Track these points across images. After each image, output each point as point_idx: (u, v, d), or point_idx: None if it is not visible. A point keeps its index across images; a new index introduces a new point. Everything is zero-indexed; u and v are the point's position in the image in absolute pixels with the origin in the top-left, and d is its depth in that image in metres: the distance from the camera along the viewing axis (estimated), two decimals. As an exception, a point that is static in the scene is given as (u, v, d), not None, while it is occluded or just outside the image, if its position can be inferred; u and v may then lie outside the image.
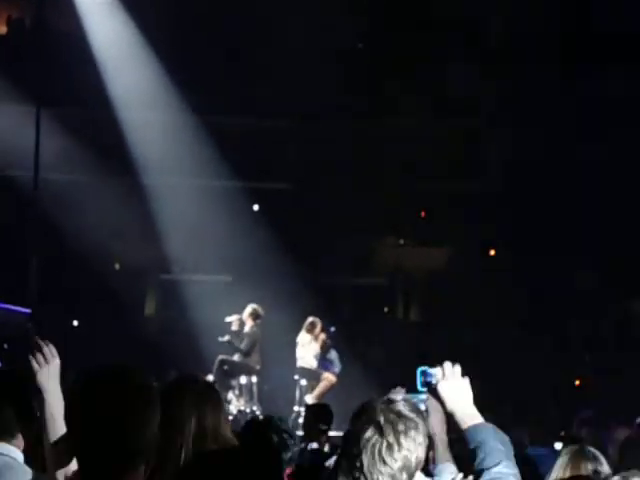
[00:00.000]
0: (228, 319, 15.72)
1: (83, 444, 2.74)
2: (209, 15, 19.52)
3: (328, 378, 15.85)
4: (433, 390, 3.51)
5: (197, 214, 19.19)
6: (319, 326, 15.96)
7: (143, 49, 19.03)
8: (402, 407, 3.12)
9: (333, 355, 16.39)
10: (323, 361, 16.12)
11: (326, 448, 9.22)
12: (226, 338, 15.54)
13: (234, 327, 15.66)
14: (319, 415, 9.67)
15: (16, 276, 18.13)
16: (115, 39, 18.93)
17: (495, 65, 19.64)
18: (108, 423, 2.72)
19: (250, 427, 5.90)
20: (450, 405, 3.45)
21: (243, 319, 15.67)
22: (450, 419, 3.51)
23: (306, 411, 10.79)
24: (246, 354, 15.49)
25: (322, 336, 16.09)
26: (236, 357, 15.52)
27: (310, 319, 15.98)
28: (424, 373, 3.54)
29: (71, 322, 19.86)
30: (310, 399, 15.33)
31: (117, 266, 21.30)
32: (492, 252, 20.72)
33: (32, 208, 19.24)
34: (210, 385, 4.27)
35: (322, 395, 15.54)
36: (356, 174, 20.22)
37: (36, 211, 19.23)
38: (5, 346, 14.71)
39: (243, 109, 19.75)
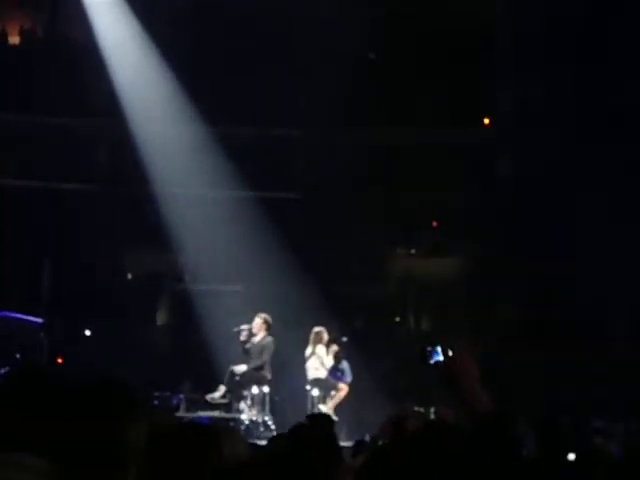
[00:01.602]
0: (237, 328, 15.65)
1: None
2: (219, 27, 19.56)
3: (343, 389, 15.83)
4: (439, 368, 3.45)
5: (209, 224, 19.19)
6: (325, 335, 15.91)
7: (155, 59, 19.08)
8: None
9: (344, 365, 16.37)
10: (335, 371, 16.09)
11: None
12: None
13: (242, 337, 15.59)
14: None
15: (29, 286, 18.18)
16: (128, 49, 18.99)
17: (510, 74, 19.64)
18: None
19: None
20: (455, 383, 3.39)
21: (253, 330, 15.59)
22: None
23: (307, 421, 10.63)
24: (260, 368, 15.46)
25: (334, 347, 16.06)
26: (244, 366, 15.46)
27: (316, 329, 15.91)
28: (430, 352, 3.48)
29: (83, 331, 19.88)
30: (326, 410, 15.30)
31: (129, 275, 21.33)
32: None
33: (45, 218, 19.34)
34: None
35: (336, 405, 15.54)
36: (368, 184, 20.23)
37: (50, 221, 19.32)
38: (18, 355, 14.76)
39: (254, 120, 19.79)
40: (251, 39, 19.59)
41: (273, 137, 20.26)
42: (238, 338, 15.56)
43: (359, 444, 8.91)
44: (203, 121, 19.42)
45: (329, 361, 15.91)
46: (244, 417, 15.14)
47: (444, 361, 3.44)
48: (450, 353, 3.44)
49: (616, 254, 17.86)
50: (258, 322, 15.53)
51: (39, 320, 16.36)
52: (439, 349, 3.46)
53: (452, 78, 19.91)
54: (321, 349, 15.82)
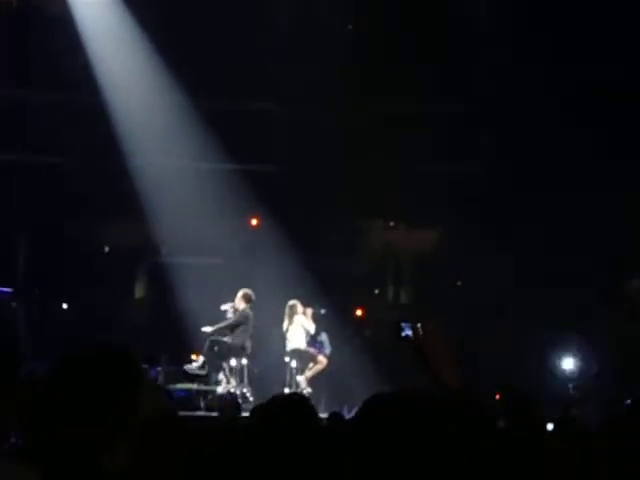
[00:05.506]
0: (223, 307, 15.65)
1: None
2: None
3: (322, 361, 15.84)
4: (410, 343, 3.46)
5: (187, 196, 19.12)
6: (299, 307, 15.92)
7: (131, 30, 18.92)
8: None
9: (324, 337, 16.40)
10: (314, 343, 16.11)
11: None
12: (209, 330, 15.45)
13: (229, 315, 15.61)
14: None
15: (4, 257, 18.08)
16: (103, 20, 18.82)
17: (490, 49, 19.57)
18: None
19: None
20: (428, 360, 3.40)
21: (236, 304, 15.60)
22: None
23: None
24: (231, 329, 15.43)
25: (309, 311, 16.08)
26: (226, 338, 15.46)
27: (290, 303, 15.94)
28: (401, 327, 3.49)
29: (60, 305, 19.81)
30: (302, 380, 15.34)
31: (107, 249, 21.24)
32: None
33: (22, 191, 19.23)
34: None
35: (315, 377, 15.55)
36: (345, 156, 20.15)
37: (27, 194, 19.22)
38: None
39: (232, 91, 19.66)
40: (230, 10, 19.43)
41: (251, 109, 20.15)
42: (225, 317, 15.58)
43: (334, 416, 8.89)
44: (181, 93, 19.30)
45: (311, 325, 15.94)
46: (221, 389, 15.13)
47: (412, 337, 3.46)
48: (418, 330, 3.45)
49: (591, 226, 17.89)
50: (238, 297, 15.59)
51: (9, 290, 16.32)
52: (409, 326, 3.47)
53: (434, 48, 19.78)
54: (299, 318, 15.83)
